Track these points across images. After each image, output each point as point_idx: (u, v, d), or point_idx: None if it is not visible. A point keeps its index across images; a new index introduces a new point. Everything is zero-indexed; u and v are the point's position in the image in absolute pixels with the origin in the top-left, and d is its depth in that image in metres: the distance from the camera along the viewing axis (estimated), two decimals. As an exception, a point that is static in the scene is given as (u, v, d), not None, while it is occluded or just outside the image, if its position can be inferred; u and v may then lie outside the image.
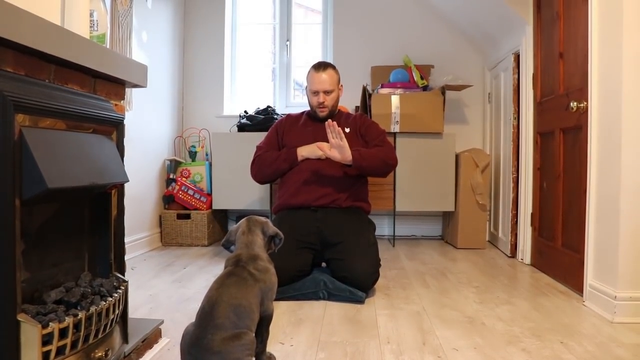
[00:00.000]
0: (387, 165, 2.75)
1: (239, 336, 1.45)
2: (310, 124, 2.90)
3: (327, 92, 2.80)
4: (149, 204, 3.78)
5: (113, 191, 1.57)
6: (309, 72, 2.87)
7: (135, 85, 1.83)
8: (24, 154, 1.13)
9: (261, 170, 2.81)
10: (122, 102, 1.79)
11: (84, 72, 1.50)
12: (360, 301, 2.37)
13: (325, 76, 2.79)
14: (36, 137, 1.18)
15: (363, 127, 2.87)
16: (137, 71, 1.79)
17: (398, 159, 3.75)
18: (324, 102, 2.80)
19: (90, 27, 1.76)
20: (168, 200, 3.94)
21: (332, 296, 2.42)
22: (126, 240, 3.26)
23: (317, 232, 2.60)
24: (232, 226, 1.74)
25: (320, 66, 2.83)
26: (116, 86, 1.74)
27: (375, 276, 2.52)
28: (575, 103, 2.47)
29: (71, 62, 1.38)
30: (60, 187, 1.19)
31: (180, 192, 3.91)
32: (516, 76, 3.44)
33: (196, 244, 3.86)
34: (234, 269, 1.56)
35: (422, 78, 3.93)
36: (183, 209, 3.91)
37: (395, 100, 3.75)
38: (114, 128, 1.59)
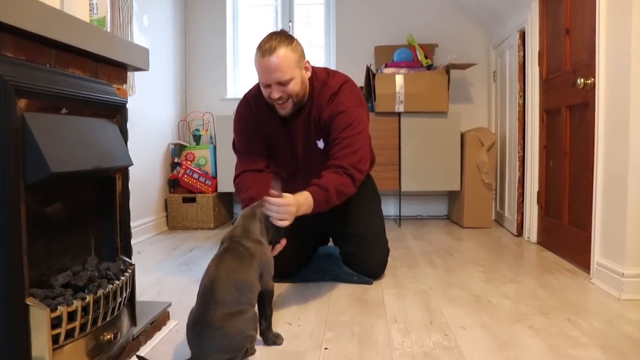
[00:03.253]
0: (355, 187, 2.10)
1: (241, 312, 1.47)
2: (281, 124, 2.23)
3: (282, 84, 2.01)
4: (154, 188, 3.79)
5: (118, 175, 1.57)
6: (254, 57, 2.06)
7: (137, 69, 1.82)
8: (27, 138, 1.13)
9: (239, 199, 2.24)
10: (124, 86, 1.78)
11: (85, 56, 1.48)
12: (368, 283, 2.37)
13: (275, 61, 1.96)
14: (39, 121, 1.17)
15: (330, 128, 2.16)
16: (139, 55, 1.77)
17: (403, 139, 3.78)
18: (280, 97, 2.05)
19: (90, 10, 1.74)
20: (173, 184, 3.94)
21: (339, 279, 2.42)
22: (132, 224, 3.28)
23: (321, 221, 2.28)
24: None
25: (267, 49, 1.97)
26: (118, 70, 1.72)
27: (385, 264, 2.50)
28: (582, 79, 2.44)
29: (72, 46, 1.36)
30: (64, 171, 1.19)
31: (185, 176, 3.91)
32: (522, 53, 3.40)
33: (202, 227, 3.87)
34: (229, 245, 1.60)
35: (426, 57, 3.89)
36: (188, 193, 3.92)
37: (399, 79, 3.72)
38: (117, 112, 1.59)
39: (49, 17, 1.24)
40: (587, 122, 2.48)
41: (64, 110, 1.31)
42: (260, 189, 2.08)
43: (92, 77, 1.53)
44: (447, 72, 3.75)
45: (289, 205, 1.77)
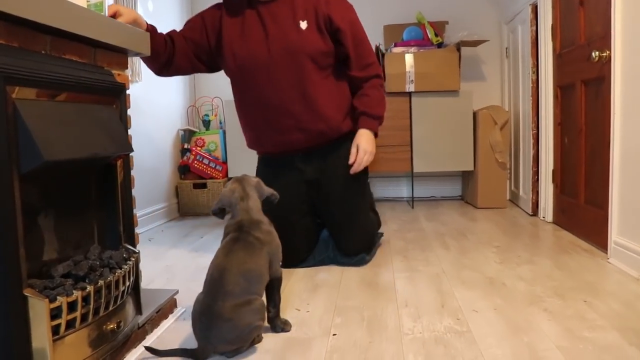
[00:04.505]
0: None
1: (249, 302, 1.44)
2: (249, 11, 2.23)
3: None
4: (165, 174, 3.78)
5: (119, 162, 1.54)
6: None
7: (138, 54, 1.78)
8: (19, 127, 1.10)
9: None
10: (125, 71, 1.75)
11: (82, 41, 1.45)
12: (363, 264, 2.35)
13: None
14: (31, 109, 1.14)
15: (329, 18, 2.20)
16: (139, 39, 1.73)
17: (414, 119, 3.72)
18: None
19: (87, -6, 1.70)
20: (183, 170, 3.93)
21: (337, 261, 2.40)
22: (144, 212, 3.31)
23: (310, 201, 2.38)
24: (223, 190, 1.68)
25: None
26: (118, 55, 1.69)
27: (373, 242, 2.47)
28: (597, 52, 2.36)
29: (67, 32, 1.33)
30: (58, 160, 1.16)
31: (196, 162, 3.89)
32: (534, 28, 3.30)
33: (216, 216, 3.84)
34: (239, 235, 1.55)
35: (436, 35, 3.80)
36: (199, 179, 3.90)
37: (409, 59, 3.64)
38: (116, 98, 1.55)
39: (43, 2, 1.20)
40: (603, 97, 2.40)
41: (60, 97, 1.28)
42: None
43: (90, 63, 1.49)
44: (458, 50, 3.67)
45: (367, 153, 2.21)
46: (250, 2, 2.24)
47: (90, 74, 1.43)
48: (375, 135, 2.30)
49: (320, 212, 2.42)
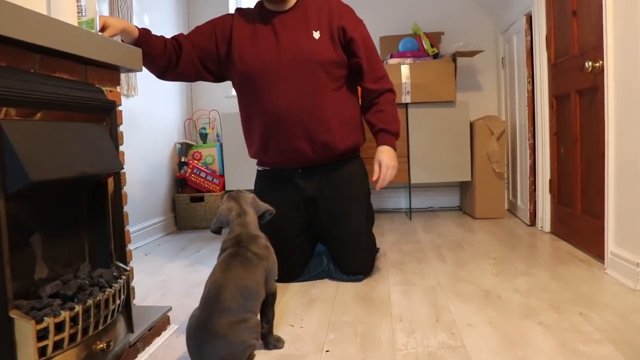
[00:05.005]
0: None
1: (245, 320, 1.44)
2: (267, 20, 2.24)
3: None
4: (162, 188, 3.77)
5: (109, 180, 1.54)
6: None
7: (130, 70, 1.78)
8: (5, 147, 1.09)
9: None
10: (117, 87, 1.75)
11: (73, 59, 1.45)
12: (358, 280, 2.32)
13: None
14: (17, 129, 1.14)
15: (343, 29, 2.23)
16: (131, 55, 1.74)
17: (411, 130, 3.72)
18: None
19: (78, 12, 1.70)
20: (181, 183, 3.93)
21: (332, 276, 2.38)
22: (140, 226, 3.31)
23: (308, 217, 2.37)
24: (220, 208, 1.69)
25: None
26: (110, 72, 1.69)
27: (372, 264, 2.44)
28: (590, 62, 2.36)
29: (57, 50, 1.33)
30: (45, 180, 1.16)
31: (193, 175, 3.88)
32: (529, 38, 3.31)
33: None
34: (237, 250, 1.55)
35: (432, 46, 3.81)
36: (196, 192, 3.89)
37: (405, 70, 3.65)
38: (106, 115, 1.55)
39: (31, 21, 1.21)
40: (597, 107, 2.39)
41: (47, 116, 1.28)
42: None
43: (80, 81, 1.50)
44: (454, 61, 3.68)
45: (390, 168, 2.25)
46: (263, 12, 2.27)
47: (80, 92, 1.43)
48: (394, 149, 2.33)
49: (319, 230, 2.39)
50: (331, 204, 2.32)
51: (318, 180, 2.32)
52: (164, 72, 2.27)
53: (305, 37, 2.20)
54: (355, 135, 2.35)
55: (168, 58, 2.22)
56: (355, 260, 2.33)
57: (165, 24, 3.91)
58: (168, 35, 2.28)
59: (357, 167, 2.41)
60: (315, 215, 2.35)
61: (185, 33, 2.34)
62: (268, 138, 2.26)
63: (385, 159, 2.25)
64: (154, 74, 2.31)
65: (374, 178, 2.25)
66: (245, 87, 2.27)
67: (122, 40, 2.06)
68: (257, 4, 2.33)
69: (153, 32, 2.21)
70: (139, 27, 2.14)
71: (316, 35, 2.20)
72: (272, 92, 2.18)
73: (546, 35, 3.08)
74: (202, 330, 1.39)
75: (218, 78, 2.38)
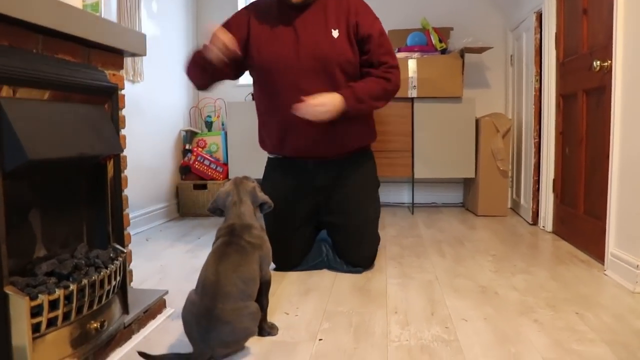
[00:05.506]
0: (389, 98, 2.25)
1: (247, 306, 1.45)
2: (286, 15, 2.20)
3: None
4: (165, 175, 3.78)
5: (108, 162, 1.54)
6: None
7: (134, 54, 1.79)
8: (3, 125, 1.10)
9: (191, 77, 2.27)
10: (120, 71, 1.76)
11: (76, 41, 1.46)
12: (357, 272, 2.32)
13: None
14: (17, 108, 1.14)
15: (357, 26, 2.19)
16: (135, 40, 1.74)
17: (416, 125, 3.70)
18: None
19: (83, -6, 1.71)
20: (184, 170, 3.94)
21: (331, 267, 2.38)
22: (143, 211, 3.32)
23: (315, 209, 2.37)
24: (220, 190, 1.69)
25: None
26: (113, 56, 1.70)
27: (374, 256, 2.44)
28: (598, 62, 2.34)
29: (60, 32, 1.34)
30: (43, 158, 1.16)
31: (197, 163, 3.89)
32: (538, 36, 3.28)
33: (213, 214, 3.84)
34: (230, 239, 1.55)
35: (440, 41, 3.79)
36: (199, 180, 3.90)
37: (412, 64, 3.64)
38: (108, 98, 1.55)
39: (34, 2, 1.21)
40: (604, 107, 2.38)
41: (48, 96, 1.28)
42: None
43: (83, 63, 1.50)
44: (462, 56, 3.66)
45: (323, 104, 2.01)
46: (282, 6, 2.21)
47: (82, 73, 1.43)
48: (343, 114, 2.10)
49: (327, 219, 2.39)
50: (343, 193, 2.33)
51: (331, 170, 2.32)
52: (210, 86, 2.32)
53: (324, 35, 2.17)
54: (369, 134, 2.40)
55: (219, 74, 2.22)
56: (359, 251, 2.33)
57: (173, 11, 3.91)
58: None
59: (369, 161, 2.45)
60: (325, 203, 2.35)
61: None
62: (286, 134, 2.25)
63: (327, 99, 2.05)
64: (201, 88, 2.38)
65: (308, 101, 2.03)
66: (263, 82, 2.26)
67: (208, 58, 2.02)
68: None
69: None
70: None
71: (335, 34, 2.17)
72: (290, 88, 2.15)
73: (556, 34, 3.05)
74: (206, 318, 1.39)
75: (236, 75, 2.36)
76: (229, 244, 1.55)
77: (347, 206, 2.33)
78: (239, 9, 4.27)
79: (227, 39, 1.95)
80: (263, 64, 2.20)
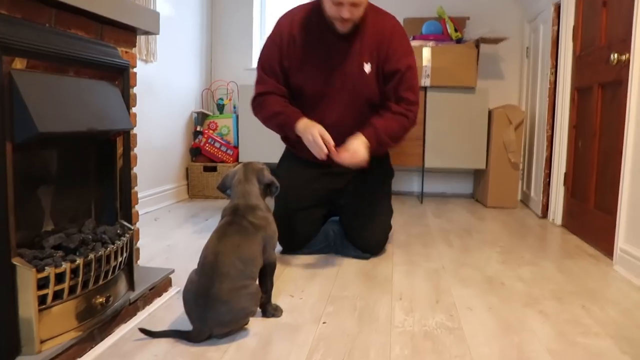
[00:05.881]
0: (406, 134, 2.28)
1: (245, 286, 1.45)
2: (324, 39, 2.20)
3: (355, 5, 2.03)
4: (176, 156, 3.79)
5: (118, 138, 1.55)
6: None
7: (147, 32, 1.79)
8: (14, 97, 1.10)
9: (259, 117, 2.32)
10: (133, 49, 1.76)
11: (89, 17, 1.45)
12: (365, 258, 2.32)
13: None
14: (28, 80, 1.15)
15: (386, 61, 2.20)
16: (148, 18, 1.74)
17: (428, 114, 3.68)
18: (349, 17, 2.06)
19: (98, -30, 1.71)
20: (195, 152, 3.94)
21: (338, 252, 2.39)
22: (152, 191, 3.34)
23: (330, 193, 2.40)
24: (231, 169, 1.70)
25: None
26: (126, 33, 1.69)
27: (384, 244, 2.45)
28: (616, 55, 2.30)
29: (73, 6, 1.33)
30: (53, 132, 1.17)
31: (207, 145, 3.90)
32: (556, 28, 3.23)
33: (222, 197, 3.86)
34: (233, 218, 1.56)
35: (456, 30, 3.75)
36: (210, 162, 3.91)
37: (426, 53, 3.60)
38: (119, 75, 1.55)
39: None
40: (619, 101, 2.34)
41: (59, 71, 1.29)
42: (286, 108, 2.21)
43: (96, 39, 1.50)
44: (477, 47, 3.62)
45: (359, 152, 2.01)
46: (323, 29, 2.19)
47: (94, 49, 1.43)
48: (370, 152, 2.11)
49: (341, 202, 2.41)
50: (361, 179, 2.36)
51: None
52: None
53: (357, 68, 2.21)
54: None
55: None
56: (371, 235, 2.34)
57: (189, 8, 3.90)
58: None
59: (386, 156, 2.54)
60: (341, 188, 2.38)
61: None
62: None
63: (356, 145, 2.05)
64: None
65: (335, 153, 2.03)
66: (295, 97, 2.29)
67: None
68: (315, 11, 2.21)
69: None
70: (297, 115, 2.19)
71: (367, 68, 2.21)
72: (318, 110, 2.22)
73: (573, 26, 3.01)
74: (203, 297, 1.40)
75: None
76: (231, 224, 1.55)
77: (363, 190, 2.37)
78: (254, 2, 4.29)
79: (328, 139, 2.06)
80: (295, 84, 2.25)
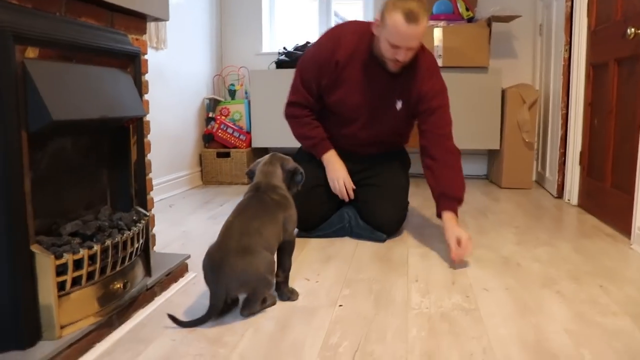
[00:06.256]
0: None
1: (259, 251, 1.47)
2: (368, 71, 2.23)
3: (411, 49, 2.06)
4: (189, 142, 3.80)
5: (131, 125, 1.55)
6: (391, 14, 1.97)
7: (157, 19, 1.78)
8: (28, 86, 1.11)
9: (290, 126, 2.44)
10: (143, 36, 1.75)
11: (99, 5, 1.45)
12: (380, 241, 2.32)
13: (418, 31, 1.99)
14: (41, 69, 1.15)
15: (419, 102, 2.24)
16: (158, 4, 1.73)
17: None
18: (403, 60, 2.09)
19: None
20: (208, 138, 3.95)
21: (353, 233, 2.39)
22: (166, 178, 3.36)
23: (349, 172, 2.42)
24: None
25: (413, 17, 1.95)
26: (136, 20, 1.69)
27: (400, 222, 2.45)
28: (632, 29, 2.26)
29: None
30: (67, 120, 1.17)
31: (220, 131, 3.90)
32: (569, 3, 3.17)
33: (236, 182, 3.88)
34: (254, 194, 1.61)
35: (467, 9, 3.70)
36: (223, 148, 3.92)
37: (437, 33, 3.56)
38: (130, 62, 1.55)
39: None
40: (636, 77, 2.30)
41: (71, 59, 1.29)
42: (317, 133, 2.37)
43: (107, 27, 1.50)
44: (489, 25, 3.56)
45: (462, 237, 2.00)
46: (373, 60, 2.21)
47: (105, 37, 1.43)
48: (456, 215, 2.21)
49: (358, 179, 2.41)
50: (379, 160, 2.46)
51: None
52: None
53: (389, 104, 2.28)
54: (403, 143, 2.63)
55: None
56: (387, 212, 2.35)
57: (196, 7, 3.87)
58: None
59: (400, 149, 2.64)
60: (359, 161, 2.44)
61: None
62: (337, 144, 2.41)
63: (459, 231, 2.04)
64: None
65: (454, 255, 1.99)
66: (325, 111, 2.37)
67: None
68: (365, 42, 2.20)
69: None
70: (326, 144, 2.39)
71: (398, 105, 2.27)
72: (344, 130, 2.36)
73: (588, 1, 2.95)
74: (218, 252, 1.44)
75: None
76: (252, 198, 1.60)
77: (381, 170, 2.44)
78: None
79: (349, 186, 2.34)
80: (328, 102, 2.32)
